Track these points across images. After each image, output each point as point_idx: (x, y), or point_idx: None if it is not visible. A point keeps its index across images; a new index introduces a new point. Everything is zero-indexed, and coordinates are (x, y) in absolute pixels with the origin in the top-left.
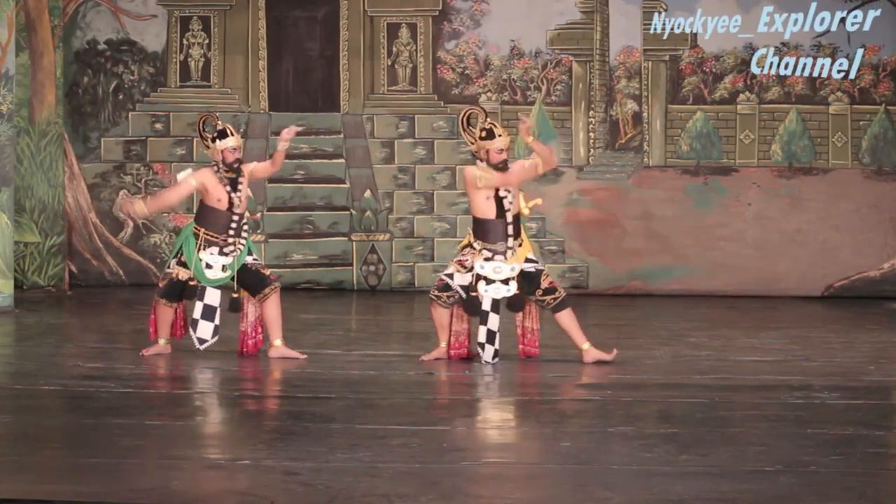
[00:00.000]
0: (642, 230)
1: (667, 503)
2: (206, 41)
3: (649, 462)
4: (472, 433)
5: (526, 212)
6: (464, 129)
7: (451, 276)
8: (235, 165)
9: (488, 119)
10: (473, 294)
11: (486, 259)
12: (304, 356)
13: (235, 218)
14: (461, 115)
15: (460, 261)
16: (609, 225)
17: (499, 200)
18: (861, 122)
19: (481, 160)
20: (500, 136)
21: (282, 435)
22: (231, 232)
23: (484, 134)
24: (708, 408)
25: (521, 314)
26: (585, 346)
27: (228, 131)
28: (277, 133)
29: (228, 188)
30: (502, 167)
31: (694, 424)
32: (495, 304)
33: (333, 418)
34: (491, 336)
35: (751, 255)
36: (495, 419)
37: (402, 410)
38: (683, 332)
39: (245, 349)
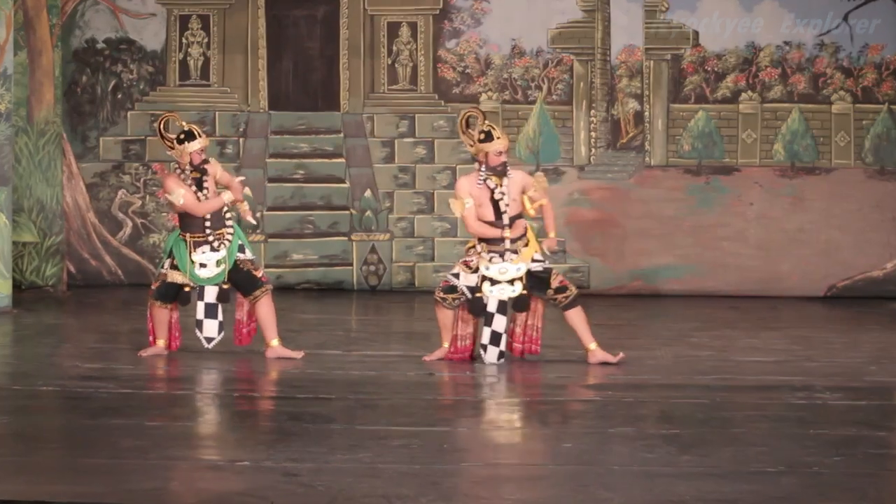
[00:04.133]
0: (644, 230)
1: None
2: (206, 40)
3: (650, 463)
4: (472, 434)
5: (532, 213)
6: (462, 132)
7: (456, 275)
8: (203, 167)
9: (486, 121)
10: (478, 295)
11: (491, 261)
12: (301, 355)
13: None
14: (460, 117)
15: (466, 262)
16: (610, 225)
17: (495, 203)
18: (864, 122)
19: (480, 163)
20: (498, 138)
21: (281, 436)
22: (207, 224)
23: (482, 136)
24: (709, 408)
25: (523, 314)
26: (592, 346)
27: (195, 132)
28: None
29: (195, 188)
30: (501, 170)
31: (695, 425)
32: (501, 306)
33: (333, 419)
34: (495, 338)
35: (753, 255)
36: (496, 420)
37: (402, 411)
38: (685, 332)
39: (240, 338)
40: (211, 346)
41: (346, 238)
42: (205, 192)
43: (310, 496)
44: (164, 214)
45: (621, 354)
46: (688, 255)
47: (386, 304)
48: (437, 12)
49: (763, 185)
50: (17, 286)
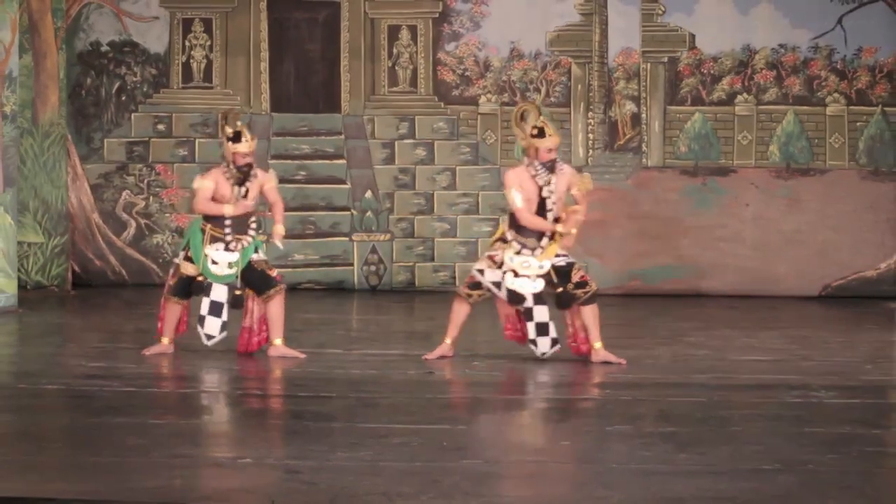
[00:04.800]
0: (641, 231)
1: (666, 502)
2: (208, 43)
3: (648, 461)
4: (472, 432)
5: (563, 216)
6: (516, 124)
7: (482, 271)
8: (245, 169)
9: (542, 118)
10: (511, 288)
11: (516, 252)
12: (304, 355)
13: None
14: (516, 109)
15: (491, 256)
16: (608, 225)
17: (541, 200)
18: (858, 124)
19: (530, 157)
20: (550, 135)
21: (283, 434)
22: (227, 223)
23: (535, 132)
24: (707, 407)
25: (570, 313)
26: (597, 344)
27: (243, 136)
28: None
29: (233, 184)
30: (550, 167)
31: (693, 423)
32: (538, 298)
33: (334, 417)
34: (542, 328)
35: (749, 256)
36: (495, 418)
37: (402, 409)
38: (682, 331)
39: (247, 346)
40: (211, 343)
41: (346, 238)
42: (241, 191)
43: (311, 494)
44: (168, 215)
45: (623, 361)
46: (685, 255)
47: (386, 304)
48: (437, 15)
49: (759, 187)
50: (22, 286)
